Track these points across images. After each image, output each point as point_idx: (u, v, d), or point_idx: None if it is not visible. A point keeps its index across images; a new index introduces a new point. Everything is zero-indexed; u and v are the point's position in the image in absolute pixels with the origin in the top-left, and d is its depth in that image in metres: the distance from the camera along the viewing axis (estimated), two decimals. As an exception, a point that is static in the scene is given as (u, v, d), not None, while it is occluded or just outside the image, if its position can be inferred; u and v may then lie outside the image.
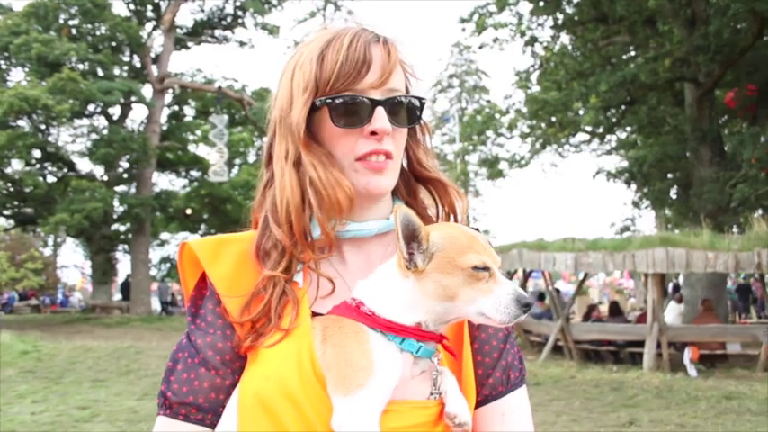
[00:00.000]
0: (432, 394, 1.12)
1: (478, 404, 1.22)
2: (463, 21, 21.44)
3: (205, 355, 1.17)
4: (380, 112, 1.20)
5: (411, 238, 1.09)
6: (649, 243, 13.19)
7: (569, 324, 14.82)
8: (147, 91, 27.10)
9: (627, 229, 25.72)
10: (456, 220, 1.33)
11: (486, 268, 1.07)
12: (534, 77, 22.89)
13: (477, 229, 1.19)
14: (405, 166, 1.33)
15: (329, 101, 1.19)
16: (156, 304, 28.87)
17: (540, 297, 18.72)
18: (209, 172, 24.12)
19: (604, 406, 9.64)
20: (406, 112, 1.24)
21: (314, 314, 1.17)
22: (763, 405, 9.55)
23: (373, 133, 1.20)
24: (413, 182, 1.35)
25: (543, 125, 22.92)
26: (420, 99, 1.27)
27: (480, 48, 22.68)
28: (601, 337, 14.37)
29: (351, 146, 1.21)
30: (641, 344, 13.22)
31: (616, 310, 16.45)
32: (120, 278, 32.17)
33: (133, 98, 25.98)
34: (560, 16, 20.45)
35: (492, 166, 26.60)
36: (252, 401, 1.09)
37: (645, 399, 10.20)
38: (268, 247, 1.22)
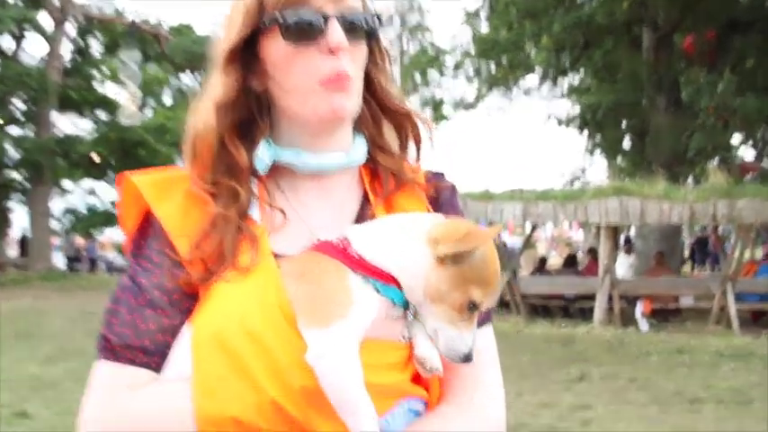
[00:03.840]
0: (403, 336, 1.15)
1: None
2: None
3: (151, 296, 1.17)
4: (335, 25, 1.19)
5: (458, 241, 1.11)
6: (602, 193, 13.51)
7: (516, 278, 15.15)
8: (47, 22, 25.86)
9: (577, 179, 26.22)
10: (419, 152, 1.37)
11: (475, 307, 1.13)
12: (483, 15, 22.82)
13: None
14: (367, 95, 1.32)
15: (278, 17, 1.19)
16: (58, 260, 28.08)
17: None
18: (119, 114, 23.42)
19: (554, 361, 9.94)
20: (364, 29, 1.25)
21: (274, 255, 1.18)
22: (714, 358, 10.03)
23: (332, 51, 1.19)
24: (378, 113, 1.35)
25: (492, 65, 22.97)
26: (378, 17, 1.27)
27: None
28: (550, 290, 14.78)
29: (307, 67, 1.20)
30: (592, 298, 13.62)
31: (571, 263, 16.89)
32: (16, 232, 31.11)
33: (29, 28, 24.75)
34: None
35: (435, 109, 26.67)
36: (208, 341, 1.09)
37: (595, 353, 10.56)
38: (217, 183, 1.22)
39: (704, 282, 15.61)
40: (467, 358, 1.13)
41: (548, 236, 29.50)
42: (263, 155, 1.24)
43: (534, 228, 16.97)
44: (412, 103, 1.39)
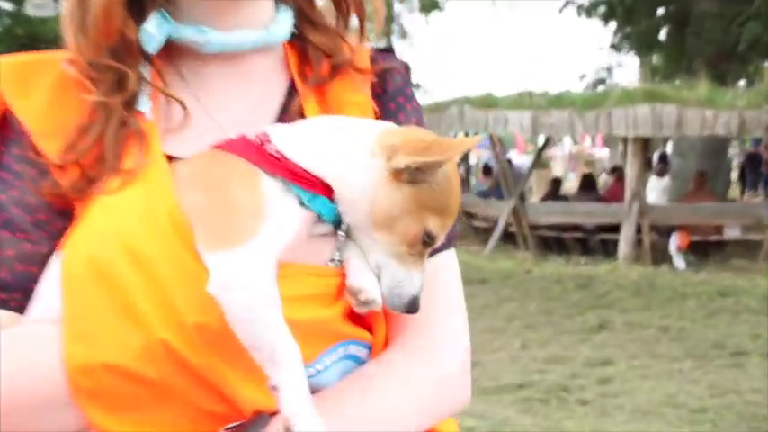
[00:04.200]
0: (332, 260, 1.15)
1: None
2: None
3: (9, 215, 1.14)
4: None
5: (421, 151, 1.10)
6: (630, 98, 13.34)
7: (524, 205, 15.15)
8: None
9: (602, 81, 26.01)
10: (362, 28, 1.36)
11: (430, 241, 1.14)
12: None
13: None
14: None
15: None
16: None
17: (487, 170, 19.00)
18: (26, 3, 22.90)
19: (568, 307, 10.06)
20: None
21: (169, 159, 1.17)
22: (763, 302, 10.09)
23: None
24: None
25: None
26: None
27: None
28: (565, 220, 14.77)
29: None
30: (616, 229, 13.62)
31: (588, 185, 16.89)
32: None
33: None
34: None
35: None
36: (82, 268, 1.07)
37: (619, 297, 10.67)
38: (97, 67, 1.20)
39: (755, 209, 15.64)
40: (412, 305, 1.13)
41: (564, 153, 29.54)
42: (153, 29, 1.21)
43: (547, 142, 16.94)
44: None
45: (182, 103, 1.22)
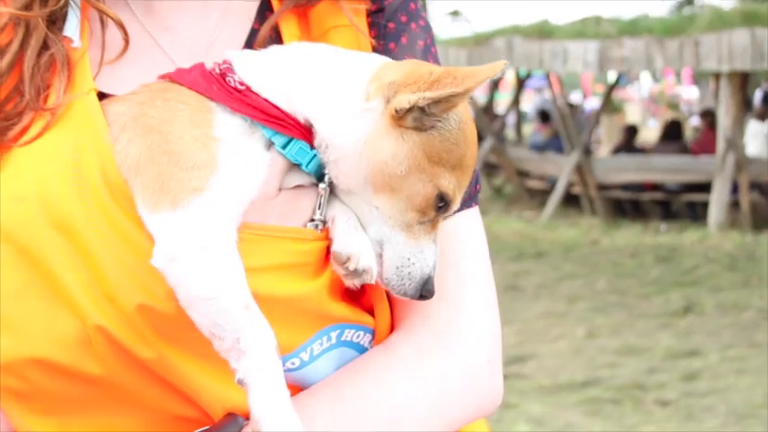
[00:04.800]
0: (313, 221, 1.14)
1: None
2: None
3: None
4: None
5: (430, 85, 1.08)
6: (723, 22, 13.28)
7: (590, 159, 15.12)
8: None
9: (689, 2, 25.87)
10: None
11: (445, 205, 1.13)
12: None
13: None
14: None
15: None
16: None
17: (543, 117, 18.92)
18: None
19: (646, 286, 10.03)
20: None
21: (101, 96, 1.17)
22: None
23: None
24: None
25: None
26: None
27: None
28: (642, 178, 14.75)
29: None
30: (707, 188, 13.58)
31: (672, 134, 16.74)
32: None
33: None
34: None
35: None
36: None
37: (711, 272, 10.66)
38: None
39: None
40: (425, 289, 1.12)
41: (642, 94, 29.28)
42: None
43: (619, 80, 16.79)
44: None
45: (120, 25, 1.20)
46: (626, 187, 14.91)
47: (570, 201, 15.31)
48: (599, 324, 8.36)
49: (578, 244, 12.39)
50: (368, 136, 1.09)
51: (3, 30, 1.17)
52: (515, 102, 19.28)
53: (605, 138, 18.64)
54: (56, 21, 1.19)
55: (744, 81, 13.96)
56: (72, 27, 1.20)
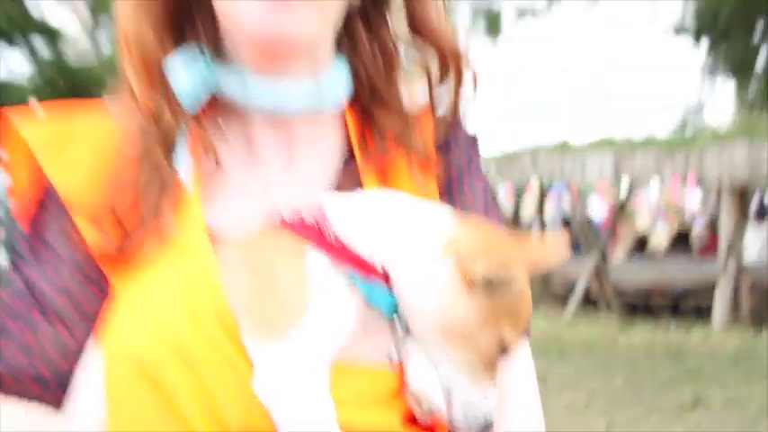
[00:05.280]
0: (390, 358, 1.14)
1: None
2: None
3: (51, 303, 1.16)
4: None
5: (501, 259, 1.10)
6: (724, 137, 13.69)
7: (607, 264, 15.45)
8: None
9: (699, 112, 26.15)
10: (456, 112, 1.37)
11: (505, 351, 1.14)
12: None
13: None
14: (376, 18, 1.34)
15: None
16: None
17: (565, 223, 19.30)
18: (64, 46, 23.07)
19: (658, 380, 10.37)
20: None
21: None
22: None
23: None
24: (389, 44, 1.35)
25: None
26: None
27: None
28: (654, 281, 15.08)
29: None
30: (711, 290, 13.89)
31: (683, 241, 17.07)
32: None
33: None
34: None
35: (493, 23, 25.96)
36: (128, 368, 1.07)
37: (716, 369, 10.91)
38: (143, 111, 1.20)
39: None
40: (485, 428, 1.13)
41: (650, 202, 28.90)
42: (186, 75, 1.20)
43: (631, 189, 17.10)
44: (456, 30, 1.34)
45: (218, 159, 1.22)
46: (639, 289, 15.29)
47: (589, 302, 15.47)
48: (616, 417, 8.58)
49: (597, 342, 12.57)
50: (442, 292, 1.09)
51: (130, 168, 1.17)
52: (540, 210, 19.10)
53: (621, 243, 18.89)
54: (170, 157, 1.19)
55: (743, 192, 14.23)
56: (182, 161, 1.20)
